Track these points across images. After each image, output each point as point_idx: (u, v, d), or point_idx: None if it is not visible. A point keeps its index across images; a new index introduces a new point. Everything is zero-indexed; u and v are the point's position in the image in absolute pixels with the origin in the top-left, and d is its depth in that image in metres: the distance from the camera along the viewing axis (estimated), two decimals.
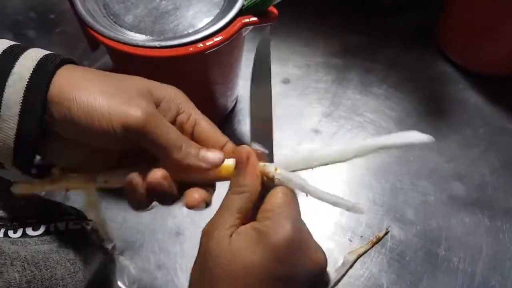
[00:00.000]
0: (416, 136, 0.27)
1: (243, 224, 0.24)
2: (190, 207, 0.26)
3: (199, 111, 0.28)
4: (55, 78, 0.23)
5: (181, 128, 0.26)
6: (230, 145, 0.27)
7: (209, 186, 0.27)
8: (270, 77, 0.28)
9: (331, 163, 0.27)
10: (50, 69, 0.23)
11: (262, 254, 0.22)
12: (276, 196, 0.25)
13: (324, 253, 0.25)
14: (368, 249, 0.44)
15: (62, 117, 0.23)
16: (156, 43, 0.35)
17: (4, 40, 0.25)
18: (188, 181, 0.26)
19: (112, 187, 0.26)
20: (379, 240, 0.45)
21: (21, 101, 0.23)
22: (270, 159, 0.27)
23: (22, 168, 0.25)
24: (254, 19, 0.37)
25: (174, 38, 0.36)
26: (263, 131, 0.27)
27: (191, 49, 0.35)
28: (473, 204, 0.47)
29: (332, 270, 0.43)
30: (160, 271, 0.44)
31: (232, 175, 0.26)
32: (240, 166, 0.25)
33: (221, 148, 0.27)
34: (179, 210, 0.47)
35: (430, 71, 0.58)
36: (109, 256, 0.32)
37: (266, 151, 0.27)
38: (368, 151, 0.27)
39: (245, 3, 0.37)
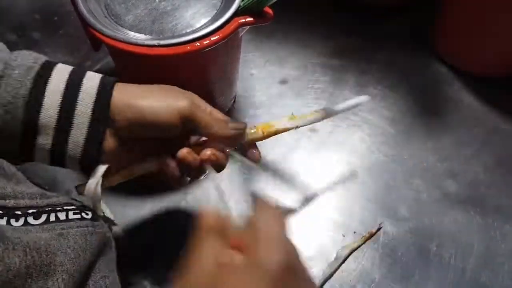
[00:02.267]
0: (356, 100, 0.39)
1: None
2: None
3: (209, 104, 0.35)
4: (114, 93, 0.31)
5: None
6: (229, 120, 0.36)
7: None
8: None
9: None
10: (108, 88, 0.31)
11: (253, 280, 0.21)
12: (261, 218, 0.24)
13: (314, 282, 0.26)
14: (361, 245, 0.45)
15: (128, 120, 0.31)
16: (155, 42, 0.37)
17: (62, 65, 0.31)
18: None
19: (150, 170, 0.34)
20: (372, 235, 0.46)
21: (91, 113, 0.30)
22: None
23: (84, 169, 0.31)
24: (250, 19, 0.38)
25: (173, 37, 0.37)
26: None
27: (189, 47, 0.37)
28: (466, 202, 0.48)
29: (325, 265, 0.44)
30: (158, 266, 0.45)
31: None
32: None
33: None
34: (178, 206, 0.48)
35: (425, 72, 0.59)
36: (109, 243, 0.33)
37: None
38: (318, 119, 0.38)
39: (242, 3, 0.39)
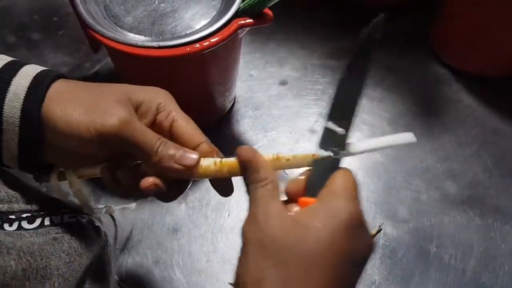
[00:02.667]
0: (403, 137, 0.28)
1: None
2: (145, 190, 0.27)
3: (180, 110, 0.29)
4: (47, 95, 0.26)
5: (160, 126, 0.28)
6: (205, 146, 0.28)
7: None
8: (370, 65, 0.28)
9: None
10: (42, 88, 0.26)
11: (334, 229, 0.22)
12: (342, 178, 0.25)
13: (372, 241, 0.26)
14: None
15: (51, 129, 0.26)
16: (155, 44, 0.37)
17: (3, 56, 0.27)
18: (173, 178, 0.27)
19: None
20: (372, 237, 0.46)
21: (19, 117, 0.26)
22: (343, 140, 0.27)
23: (26, 170, 0.28)
24: (249, 21, 0.38)
25: (172, 39, 0.37)
26: (345, 113, 0.27)
27: (188, 49, 0.37)
28: (465, 203, 0.48)
29: None
30: (157, 267, 0.45)
31: (232, 174, 0.27)
32: (249, 165, 0.26)
33: (196, 146, 0.28)
34: (177, 207, 0.48)
35: (425, 73, 0.59)
36: (105, 247, 0.33)
37: (343, 132, 0.27)
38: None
39: (241, 5, 0.39)
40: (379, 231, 0.46)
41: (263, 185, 0.25)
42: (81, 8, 0.38)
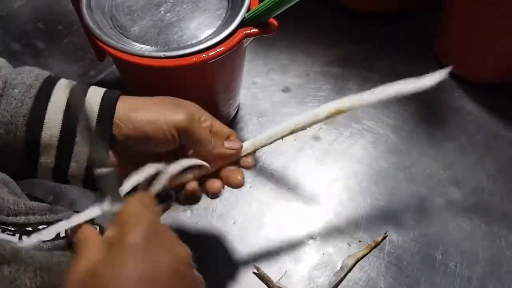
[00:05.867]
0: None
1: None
2: (213, 194, 0.34)
3: (212, 116, 0.35)
4: (117, 108, 0.31)
5: (205, 127, 0.34)
6: (234, 136, 0.36)
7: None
8: None
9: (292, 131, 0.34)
10: (111, 104, 0.31)
11: (120, 257, 0.21)
12: (127, 208, 0.24)
13: (187, 248, 0.25)
14: (367, 254, 0.45)
15: (127, 134, 0.30)
16: (161, 54, 0.37)
17: (64, 80, 0.31)
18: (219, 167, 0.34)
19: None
20: (377, 244, 0.46)
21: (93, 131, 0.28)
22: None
23: (86, 185, 0.32)
24: (254, 30, 0.39)
25: (178, 48, 0.38)
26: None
27: (195, 59, 0.37)
28: (470, 209, 0.48)
29: (331, 274, 0.44)
30: None
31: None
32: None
33: (228, 137, 0.35)
34: (183, 215, 0.48)
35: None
36: None
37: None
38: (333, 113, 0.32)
39: (246, 15, 0.39)
40: (384, 238, 0.46)
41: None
42: (87, 18, 0.38)
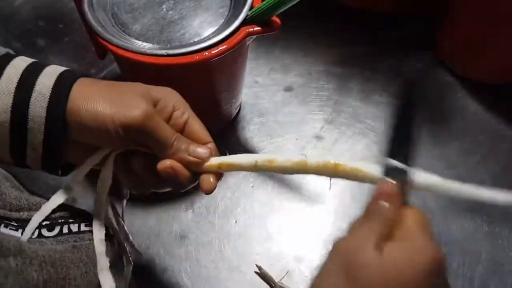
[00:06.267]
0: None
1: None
2: (206, 190, 0.29)
3: (191, 110, 0.31)
4: (71, 94, 0.27)
5: (175, 123, 0.30)
6: (212, 146, 0.30)
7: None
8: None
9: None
10: (66, 87, 0.27)
11: (415, 270, 0.22)
12: (415, 218, 0.25)
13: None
14: None
15: (76, 124, 0.27)
16: (163, 52, 0.37)
17: (22, 57, 0.28)
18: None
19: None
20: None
21: (45, 116, 0.26)
22: (404, 176, 0.27)
23: (48, 171, 0.29)
24: (257, 28, 0.38)
25: (181, 46, 0.37)
26: (402, 149, 0.27)
27: (197, 57, 0.37)
28: (472, 210, 0.48)
29: None
30: (165, 274, 0.44)
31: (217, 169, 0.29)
32: (387, 199, 0.25)
33: (204, 145, 0.30)
34: (184, 214, 0.48)
35: (430, 79, 0.59)
36: (117, 257, 0.33)
37: (403, 168, 0.26)
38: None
39: (249, 13, 0.39)
40: None
41: (380, 217, 0.25)
42: (89, 16, 0.38)
